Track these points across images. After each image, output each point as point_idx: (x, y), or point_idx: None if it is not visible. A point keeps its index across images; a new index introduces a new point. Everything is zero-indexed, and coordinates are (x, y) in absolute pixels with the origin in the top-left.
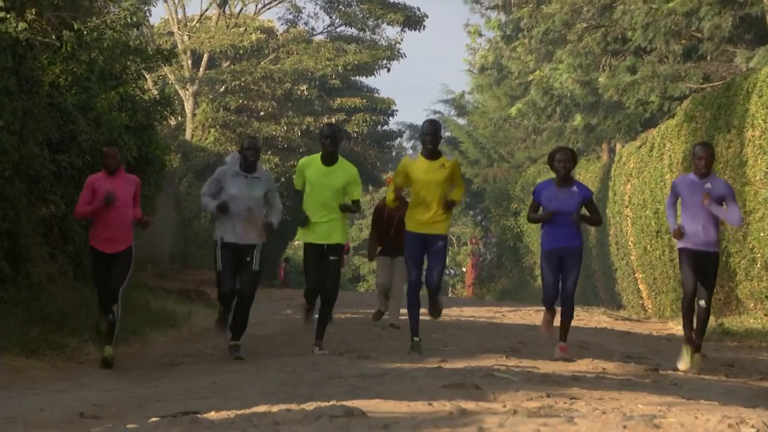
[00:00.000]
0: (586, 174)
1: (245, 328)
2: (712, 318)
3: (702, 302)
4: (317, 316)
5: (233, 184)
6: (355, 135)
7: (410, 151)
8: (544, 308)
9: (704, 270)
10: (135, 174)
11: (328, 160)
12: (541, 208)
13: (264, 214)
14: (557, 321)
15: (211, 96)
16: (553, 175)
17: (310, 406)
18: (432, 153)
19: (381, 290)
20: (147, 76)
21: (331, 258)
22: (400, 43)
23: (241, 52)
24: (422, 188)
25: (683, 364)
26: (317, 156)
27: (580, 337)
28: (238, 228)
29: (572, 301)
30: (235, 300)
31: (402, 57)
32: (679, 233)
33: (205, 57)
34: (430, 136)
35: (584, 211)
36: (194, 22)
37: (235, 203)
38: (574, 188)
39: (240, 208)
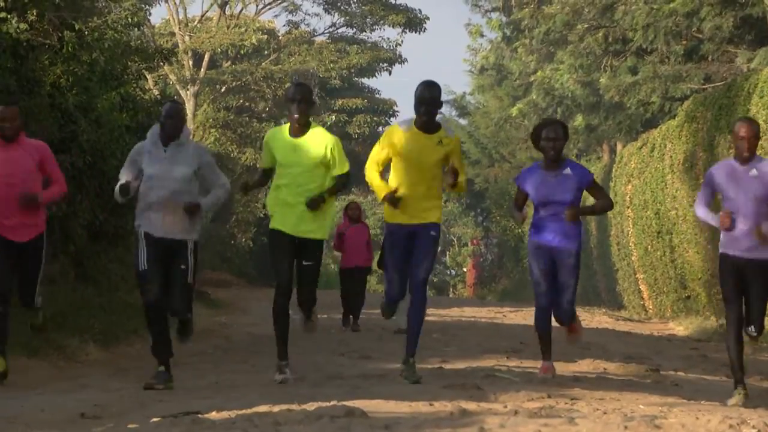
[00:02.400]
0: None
1: (191, 325)
2: (713, 318)
3: (751, 329)
4: (299, 317)
5: (150, 162)
6: (356, 136)
7: (404, 124)
8: (538, 330)
9: (756, 285)
10: None
11: (297, 130)
12: (528, 201)
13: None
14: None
15: (212, 96)
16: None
17: (311, 406)
18: (429, 125)
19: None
20: (148, 77)
21: (305, 263)
22: (400, 45)
23: (242, 52)
24: (412, 168)
25: (735, 399)
26: (285, 127)
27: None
28: (158, 219)
29: (572, 314)
30: (164, 314)
31: (404, 62)
32: (728, 218)
33: (206, 57)
34: (426, 105)
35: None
36: (195, 23)
37: (153, 187)
38: (567, 170)
39: (159, 193)
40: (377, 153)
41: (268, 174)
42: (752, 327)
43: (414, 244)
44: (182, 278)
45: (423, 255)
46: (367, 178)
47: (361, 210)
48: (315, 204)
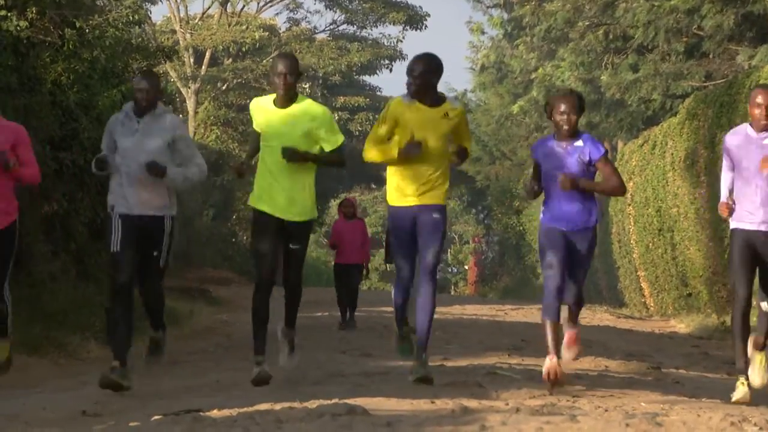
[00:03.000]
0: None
1: (161, 320)
2: (714, 316)
3: (764, 304)
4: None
5: (123, 135)
6: (358, 134)
7: (407, 98)
8: (545, 320)
9: (766, 258)
10: None
11: (283, 100)
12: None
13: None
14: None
15: (213, 94)
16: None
17: (312, 404)
18: (433, 97)
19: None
20: None
21: (292, 247)
22: (401, 42)
23: (243, 49)
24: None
25: (738, 393)
26: (270, 96)
27: (582, 335)
28: (132, 195)
29: (580, 297)
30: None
31: (404, 58)
32: (727, 208)
33: (207, 55)
34: (422, 77)
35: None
36: (197, 20)
37: (125, 160)
38: (579, 142)
39: (131, 167)
40: (375, 130)
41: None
42: (766, 302)
43: (418, 228)
44: (154, 263)
45: (429, 239)
46: (368, 158)
47: (356, 206)
48: (292, 155)
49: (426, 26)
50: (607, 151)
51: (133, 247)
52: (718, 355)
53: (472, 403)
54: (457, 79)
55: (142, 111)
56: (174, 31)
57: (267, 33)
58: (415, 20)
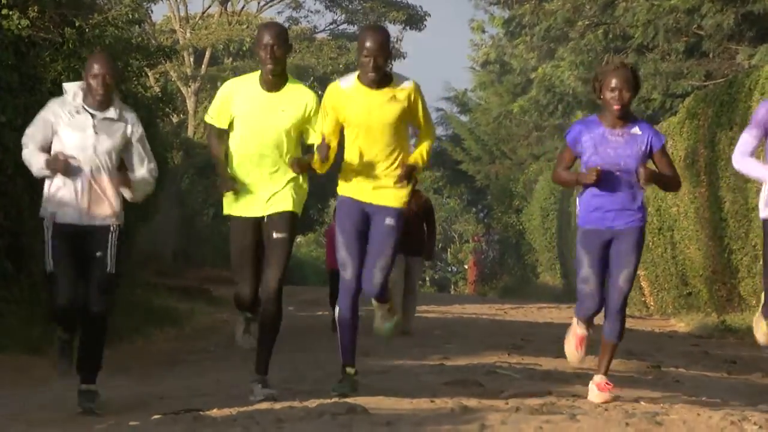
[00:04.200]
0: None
1: (100, 365)
2: (714, 315)
3: None
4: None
5: (71, 128)
6: None
7: (346, 80)
8: (575, 320)
9: None
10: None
11: (270, 82)
12: (579, 162)
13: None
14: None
15: (213, 93)
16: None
17: (312, 403)
18: (376, 78)
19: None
20: (149, 73)
21: (275, 236)
22: (401, 41)
23: (243, 48)
24: (361, 133)
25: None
26: (253, 76)
27: None
28: (77, 203)
29: (623, 314)
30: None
31: (404, 57)
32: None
33: (207, 54)
34: (373, 56)
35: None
36: (197, 19)
37: (75, 161)
38: (636, 129)
39: (81, 169)
40: (320, 122)
41: (224, 136)
42: None
43: (369, 233)
44: (100, 268)
45: (377, 251)
46: (313, 164)
47: None
48: (301, 165)
49: (426, 26)
50: (665, 138)
51: (72, 259)
52: (717, 354)
53: (472, 402)
54: (456, 79)
55: (97, 102)
56: (174, 31)
57: None
58: (415, 20)
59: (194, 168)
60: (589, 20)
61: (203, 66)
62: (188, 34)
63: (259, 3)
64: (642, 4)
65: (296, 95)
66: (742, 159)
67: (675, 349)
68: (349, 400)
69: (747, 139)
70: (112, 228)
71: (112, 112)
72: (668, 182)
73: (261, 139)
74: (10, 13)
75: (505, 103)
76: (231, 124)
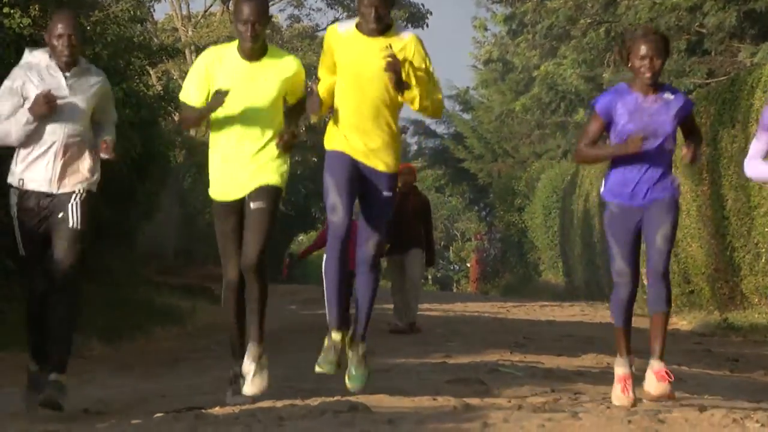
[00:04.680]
0: (590, 168)
1: (70, 349)
2: (716, 313)
3: None
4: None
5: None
6: None
7: (345, 25)
8: (615, 326)
9: None
10: (139, 171)
11: (251, 52)
12: (609, 135)
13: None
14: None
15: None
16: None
17: (314, 401)
18: (378, 29)
19: (396, 300)
20: (151, 72)
21: (253, 206)
22: None
23: None
24: (353, 85)
25: None
26: (231, 47)
27: (584, 332)
28: (50, 168)
29: (667, 278)
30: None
31: None
32: None
33: None
34: (374, 6)
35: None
36: (199, 18)
37: (48, 126)
38: (668, 94)
39: (56, 134)
40: (321, 60)
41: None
42: None
43: (365, 196)
44: (65, 226)
45: (374, 221)
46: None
47: None
48: (289, 143)
49: (428, 24)
50: (693, 104)
51: (44, 241)
52: (720, 352)
53: (474, 400)
54: (459, 77)
55: (63, 64)
56: (176, 29)
57: (269, 30)
58: (416, 18)
59: (196, 166)
60: (591, 18)
61: None
62: (190, 33)
63: None
64: (644, 2)
65: (279, 63)
66: (752, 164)
67: (677, 347)
68: (350, 398)
69: (756, 145)
70: (78, 191)
71: (81, 72)
72: (699, 146)
73: (245, 113)
74: (12, 11)
75: (508, 101)
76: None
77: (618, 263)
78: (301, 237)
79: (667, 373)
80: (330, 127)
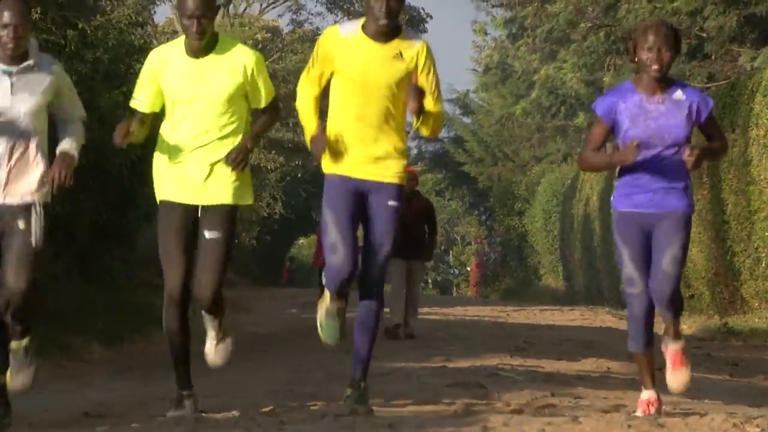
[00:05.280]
0: (590, 174)
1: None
2: (716, 317)
3: None
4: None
5: None
6: None
7: (348, 26)
8: (634, 351)
9: None
10: (139, 174)
11: (197, 48)
12: (616, 139)
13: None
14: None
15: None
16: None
17: (315, 405)
18: (388, 26)
19: (396, 301)
20: None
21: (208, 236)
22: None
23: None
24: (357, 93)
25: None
26: (177, 43)
27: (584, 336)
28: None
29: (674, 304)
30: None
31: None
32: None
33: None
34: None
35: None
36: None
37: None
38: (679, 93)
39: (1, 139)
40: (308, 70)
41: (148, 121)
42: None
43: (366, 215)
44: (21, 239)
45: (379, 236)
46: (297, 105)
47: None
48: (239, 158)
49: (427, 28)
50: (713, 101)
51: None
52: (720, 356)
53: (474, 404)
54: (459, 81)
55: (9, 58)
56: (176, 32)
57: (269, 34)
58: (416, 22)
59: None
60: (591, 22)
61: None
62: None
63: (261, 5)
64: (644, 6)
65: (231, 57)
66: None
67: None
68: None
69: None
70: (35, 205)
71: (30, 65)
72: (717, 152)
73: (194, 113)
74: None
75: (508, 104)
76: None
77: (628, 271)
78: (302, 240)
79: (683, 354)
80: (331, 148)
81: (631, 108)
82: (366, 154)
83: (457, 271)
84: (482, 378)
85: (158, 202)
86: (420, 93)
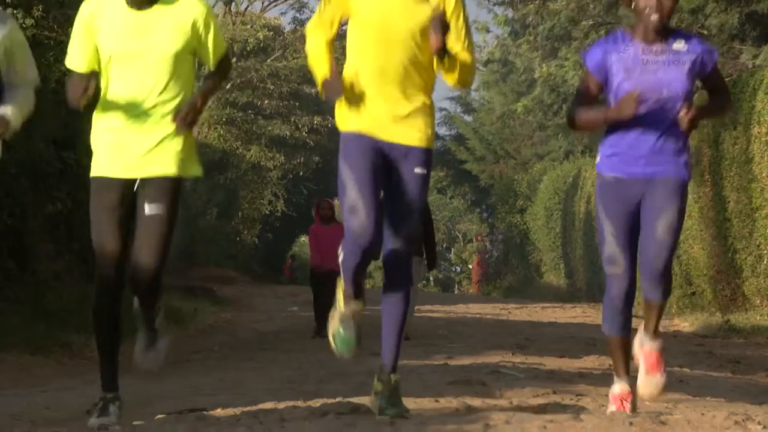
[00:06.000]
0: (593, 171)
1: None
2: (718, 314)
3: None
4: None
5: None
6: None
7: None
8: (609, 337)
9: None
10: None
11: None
12: (607, 95)
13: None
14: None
15: (216, 93)
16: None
17: (316, 402)
18: None
19: None
20: None
21: (147, 211)
22: None
23: (248, 49)
24: (377, 40)
25: None
26: None
27: (585, 334)
28: None
29: (666, 277)
30: None
31: None
32: None
33: None
34: None
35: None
36: None
37: None
38: (680, 44)
39: None
40: (320, 11)
41: (91, 78)
42: None
43: (389, 180)
44: None
45: (405, 208)
46: (306, 48)
47: (334, 207)
48: (188, 116)
49: None
50: (717, 51)
51: None
52: (722, 353)
53: (476, 402)
54: None
55: None
56: None
57: (271, 33)
58: None
59: None
60: (593, 20)
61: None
62: None
63: (263, 3)
64: None
65: (177, 9)
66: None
67: (679, 348)
68: (353, 399)
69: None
70: None
71: None
72: (720, 109)
73: (136, 73)
74: (15, 12)
75: (510, 102)
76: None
77: (610, 248)
78: (303, 238)
79: (659, 356)
80: (341, 102)
81: (625, 59)
82: (389, 112)
83: (458, 269)
84: (484, 375)
85: (91, 178)
86: (444, 26)
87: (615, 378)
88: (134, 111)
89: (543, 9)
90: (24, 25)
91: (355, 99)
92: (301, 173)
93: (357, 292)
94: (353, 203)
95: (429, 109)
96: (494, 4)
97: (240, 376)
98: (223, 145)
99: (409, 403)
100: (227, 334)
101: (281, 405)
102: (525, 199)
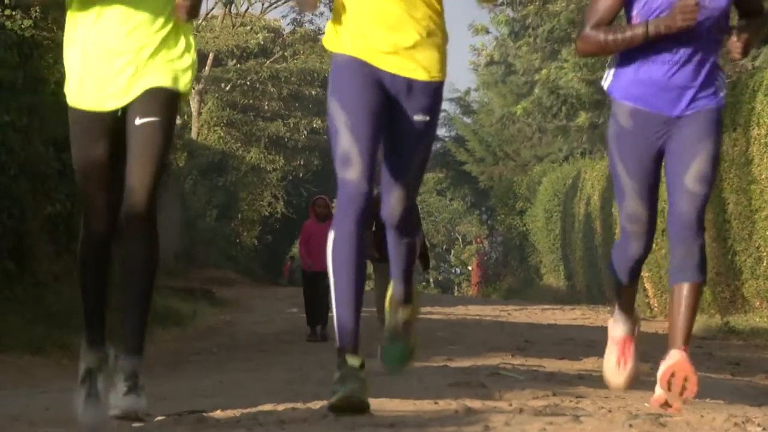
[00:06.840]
0: (591, 173)
1: None
2: (717, 316)
3: None
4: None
5: None
6: None
7: None
8: (618, 283)
9: None
10: None
11: None
12: (626, 15)
13: None
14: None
15: (216, 95)
16: None
17: (316, 404)
18: None
19: (378, 308)
20: None
21: (138, 121)
22: None
23: (248, 50)
24: None
25: None
26: None
27: (586, 335)
28: None
29: (701, 238)
30: None
31: None
32: None
33: (211, 56)
34: None
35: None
36: (200, 21)
37: None
38: None
39: None
40: None
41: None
42: None
43: (390, 122)
44: None
45: (407, 156)
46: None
47: (330, 206)
48: (191, 4)
49: None
50: None
51: None
52: (721, 355)
53: (476, 404)
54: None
55: None
56: None
57: (271, 34)
58: None
59: (197, 169)
60: None
61: (207, 68)
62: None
63: (263, 5)
64: None
65: None
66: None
67: None
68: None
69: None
70: None
71: None
72: (762, 29)
73: (121, 6)
74: (13, 13)
75: (509, 104)
76: None
77: (631, 203)
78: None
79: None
80: (334, 21)
81: None
82: (389, 40)
83: (458, 271)
84: (483, 377)
85: (71, 114)
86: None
87: (617, 316)
88: (118, 31)
89: (543, 10)
90: (22, 27)
91: (349, 18)
92: (301, 175)
93: (356, 336)
94: (346, 151)
95: (441, 36)
96: (494, 5)
97: (239, 378)
98: (223, 147)
99: (408, 405)
100: (226, 336)
101: (281, 407)
102: (524, 201)
